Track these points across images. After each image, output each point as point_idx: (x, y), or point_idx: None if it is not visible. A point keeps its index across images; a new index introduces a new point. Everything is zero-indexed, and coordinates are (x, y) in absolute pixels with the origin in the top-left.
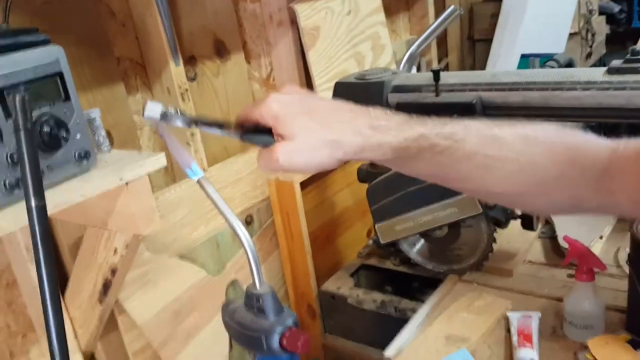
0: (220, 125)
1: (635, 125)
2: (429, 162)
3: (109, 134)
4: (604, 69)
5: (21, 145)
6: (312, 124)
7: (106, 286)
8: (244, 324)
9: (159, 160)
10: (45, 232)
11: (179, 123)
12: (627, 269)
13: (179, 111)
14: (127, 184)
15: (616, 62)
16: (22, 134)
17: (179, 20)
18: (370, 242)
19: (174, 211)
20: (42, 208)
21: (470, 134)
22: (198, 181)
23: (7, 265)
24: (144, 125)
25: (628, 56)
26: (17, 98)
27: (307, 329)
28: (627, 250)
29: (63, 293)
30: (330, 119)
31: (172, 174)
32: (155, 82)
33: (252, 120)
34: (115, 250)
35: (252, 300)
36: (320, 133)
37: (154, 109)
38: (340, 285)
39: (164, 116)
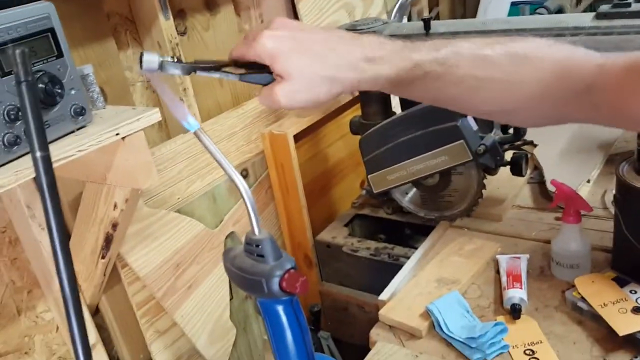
0: (218, 68)
1: None
2: (422, 87)
3: (102, 91)
4: (592, 14)
5: (23, 97)
6: (308, 61)
7: (108, 240)
8: (245, 268)
9: (154, 116)
10: (51, 181)
11: (177, 71)
12: (613, 211)
13: (175, 59)
14: (123, 139)
15: (604, 7)
16: (23, 86)
17: None
18: (364, 192)
19: (170, 166)
20: (47, 158)
21: (462, 58)
22: (195, 133)
23: (9, 222)
24: (136, 81)
25: (616, 1)
26: (17, 52)
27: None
28: (613, 192)
29: None
30: (326, 53)
31: (167, 130)
32: (146, 37)
33: (249, 59)
34: (115, 205)
35: (252, 246)
36: (318, 70)
37: (151, 60)
38: (336, 234)
39: (162, 66)
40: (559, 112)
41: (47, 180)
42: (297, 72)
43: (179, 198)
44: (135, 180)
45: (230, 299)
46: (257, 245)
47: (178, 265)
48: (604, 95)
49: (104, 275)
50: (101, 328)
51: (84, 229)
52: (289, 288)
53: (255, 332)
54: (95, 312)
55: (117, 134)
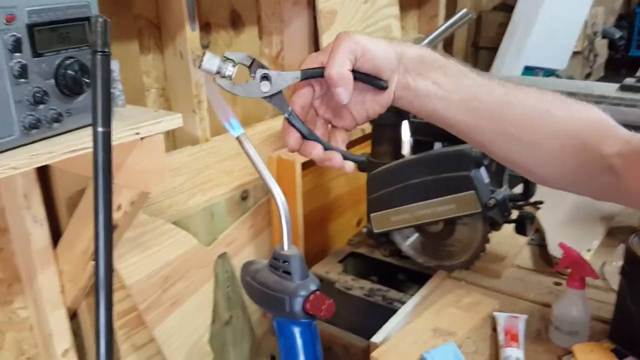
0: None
1: None
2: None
3: None
4: (617, 85)
5: (96, 68)
6: None
7: None
8: (268, 284)
9: (176, 120)
10: (108, 159)
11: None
12: (612, 283)
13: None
14: (142, 139)
15: (629, 80)
16: (99, 56)
17: None
18: (364, 230)
19: (173, 177)
20: (107, 134)
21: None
22: (237, 138)
23: (1, 210)
24: (151, 87)
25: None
26: (100, 20)
27: None
28: (614, 264)
29: (55, 246)
30: None
31: (174, 140)
32: (169, 44)
33: None
34: (120, 207)
35: (279, 262)
36: None
37: (212, 61)
38: (329, 269)
39: (219, 72)
40: (581, 167)
41: (104, 157)
42: None
43: (177, 210)
44: (146, 183)
45: (212, 322)
46: (285, 262)
47: (166, 278)
48: (631, 168)
49: (90, 279)
50: (76, 334)
51: (79, 227)
52: (313, 310)
53: None
54: (73, 316)
55: (137, 134)
